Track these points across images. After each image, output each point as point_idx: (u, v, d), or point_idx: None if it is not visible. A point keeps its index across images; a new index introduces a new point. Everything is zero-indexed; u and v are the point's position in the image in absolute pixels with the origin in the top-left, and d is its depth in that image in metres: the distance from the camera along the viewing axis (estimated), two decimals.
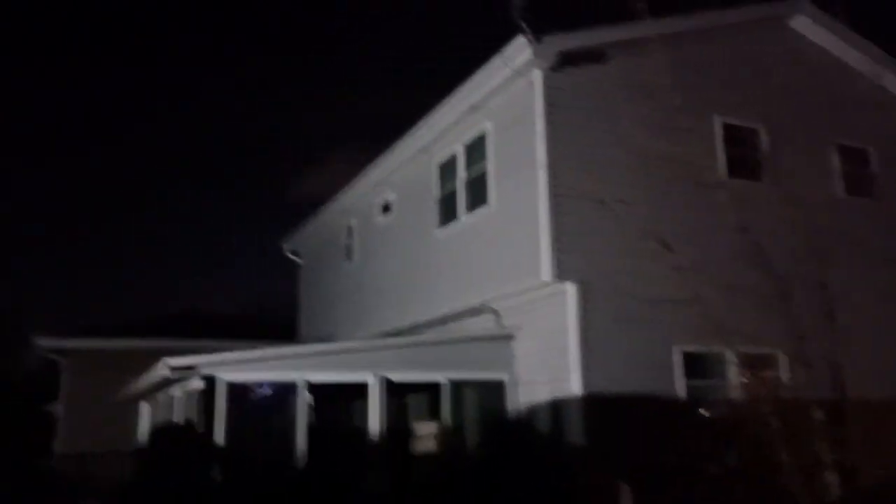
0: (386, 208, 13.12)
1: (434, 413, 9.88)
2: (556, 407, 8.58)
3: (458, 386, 9.30)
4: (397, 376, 8.86)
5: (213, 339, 16.84)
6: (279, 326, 20.54)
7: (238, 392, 8.11)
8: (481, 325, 10.16)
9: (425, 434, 9.90)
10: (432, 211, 11.30)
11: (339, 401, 9.59)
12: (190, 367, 7.80)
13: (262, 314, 26.85)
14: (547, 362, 8.85)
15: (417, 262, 11.74)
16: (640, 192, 9.13)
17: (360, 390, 9.00)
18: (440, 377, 9.08)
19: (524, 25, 8.78)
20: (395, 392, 8.99)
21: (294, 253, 17.83)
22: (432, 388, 9.63)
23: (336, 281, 15.28)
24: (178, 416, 9.38)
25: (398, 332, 12.11)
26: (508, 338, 9.46)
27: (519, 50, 8.64)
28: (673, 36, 9.69)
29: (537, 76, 8.84)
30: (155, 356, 16.25)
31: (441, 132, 10.78)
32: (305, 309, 17.31)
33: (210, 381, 7.89)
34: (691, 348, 8.96)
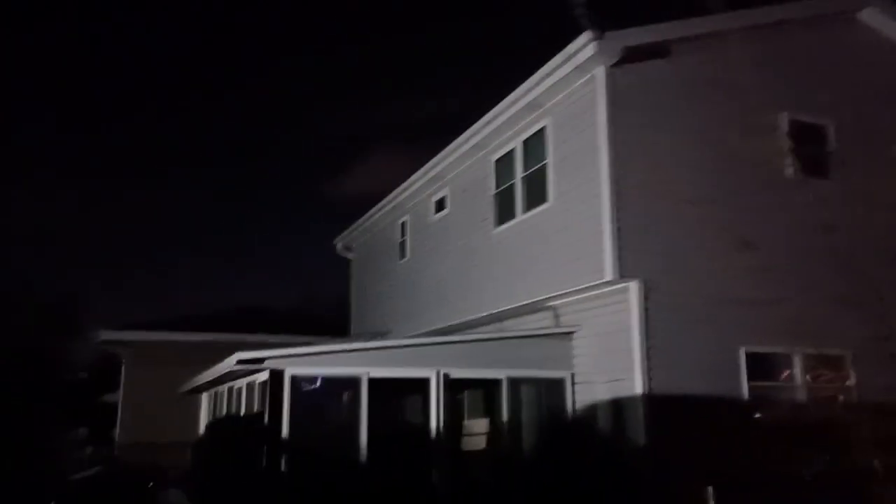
0: (440, 205, 13.18)
1: (489, 410, 9.93)
2: (617, 406, 8.52)
3: (515, 383, 9.31)
4: (457, 373, 8.92)
5: (268, 333, 17.20)
6: (331, 322, 20.84)
7: (303, 386, 8.24)
8: (538, 322, 10.15)
9: (478, 432, 9.96)
10: (488, 208, 11.31)
11: (396, 395, 9.66)
12: (258, 361, 7.96)
13: (313, 309, 27.24)
14: (607, 361, 8.79)
15: (472, 259, 11.77)
16: (704, 190, 9.02)
17: (415, 385, 9.08)
18: (500, 374, 9.10)
19: (587, 22, 8.76)
20: (451, 388, 9.04)
21: (346, 249, 18.03)
22: (486, 385, 9.68)
23: (388, 278, 15.41)
24: (242, 409, 9.58)
25: (452, 329, 12.18)
26: (568, 336, 9.43)
27: (582, 46, 8.58)
28: (737, 31, 9.54)
29: (600, 73, 8.78)
30: (212, 350, 16.63)
31: (498, 129, 10.77)
32: (357, 305, 17.50)
33: (277, 374, 8.03)
34: (757, 349, 8.82)
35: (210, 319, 19.10)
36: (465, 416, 10.07)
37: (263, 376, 8.40)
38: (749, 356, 8.79)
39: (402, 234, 14.75)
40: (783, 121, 9.61)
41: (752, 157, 9.35)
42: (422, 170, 13.26)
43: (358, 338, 15.44)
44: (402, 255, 14.70)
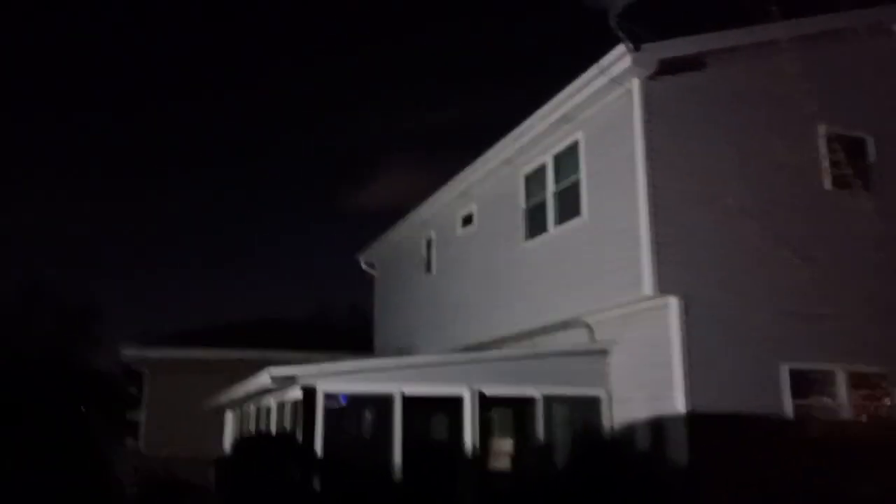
0: (467, 220, 13.06)
1: (521, 428, 9.73)
2: (657, 425, 8.31)
3: (549, 401, 9.12)
4: (491, 390, 8.75)
5: (292, 349, 17.10)
6: (354, 337, 20.74)
7: (335, 403, 8.11)
8: (571, 339, 9.97)
9: (505, 451, 9.76)
10: (518, 222, 11.18)
11: (429, 412, 9.50)
12: (290, 378, 7.85)
13: (328, 320, 27.17)
14: (645, 378, 8.60)
15: (501, 275, 11.62)
16: (743, 202, 8.80)
17: (448, 402, 8.92)
18: (534, 392, 8.92)
19: (623, 33, 8.66)
20: (482, 406, 8.87)
21: (369, 265, 17.95)
22: (516, 403, 9.49)
23: (414, 293, 15.28)
24: (272, 426, 9.46)
25: (481, 346, 12.00)
26: (603, 352, 9.25)
27: (618, 59, 8.49)
28: (772, 43, 9.37)
29: (635, 85, 8.66)
30: (233, 366, 16.59)
31: (528, 143, 10.67)
32: (381, 320, 17.38)
33: (309, 391, 7.91)
34: (800, 365, 8.59)
35: (229, 334, 19.08)
36: (496, 434, 9.86)
37: (295, 393, 8.28)
38: (792, 373, 8.58)
39: (428, 249, 14.64)
40: (822, 133, 9.44)
41: (790, 169, 9.17)
42: (448, 184, 13.19)
43: (387, 354, 15.32)
44: (428, 269, 14.58)
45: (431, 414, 9.65)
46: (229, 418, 13.54)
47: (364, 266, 17.92)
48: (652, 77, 8.64)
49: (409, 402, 8.40)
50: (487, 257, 12.13)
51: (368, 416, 8.55)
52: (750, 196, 8.90)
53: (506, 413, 10.11)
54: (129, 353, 17.37)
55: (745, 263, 8.66)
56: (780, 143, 9.15)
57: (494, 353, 9.60)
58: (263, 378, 7.82)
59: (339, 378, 8.15)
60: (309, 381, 7.93)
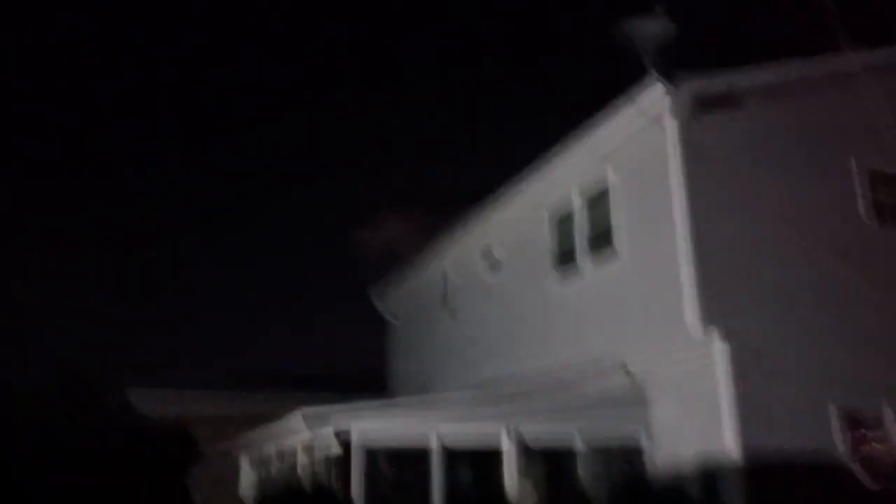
0: (491, 263, 12.90)
1: (560, 476, 9.39)
2: (708, 470, 7.98)
3: (589, 447, 8.80)
4: (531, 436, 8.46)
5: (305, 393, 16.74)
6: (367, 383, 20.36)
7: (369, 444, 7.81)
8: (608, 382, 9.69)
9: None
10: (545, 265, 11.01)
11: (466, 455, 9.16)
12: (322, 417, 7.57)
13: (341, 370, 26.72)
14: (692, 422, 8.31)
15: (529, 319, 11.40)
16: (785, 242, 8.71)
17: (485, 445, 8.61)
18: (575, 438, 8.60)
19: (657, 71, 8.67)
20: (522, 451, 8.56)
21: (386, 310, 17.72)
22: (554, 450, 9.18)
23: (433, 335, 15.02)
24: (298, 469, 9.12)
25: (511, 398, 11.71)
26: (643, 396, 8.96)
27: (652, 96, 8.46)
28: (809, 80, 9.44)
29: (671, 123, 8.62)
30: (243, 415, 16.11)
31: (555, 184, 10.59)
32: (397, 366, 17.05)
33: (344, 433, 7.63)
34: (848, 405, 8.32)
35: (235, 382, 18.66)
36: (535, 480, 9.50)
37: (327, 434, 7.98)
38: (841, 412, 8.30)
39: (450, 292, 14.43)
40: (857, 170, 9.37)
41: (828, 205, 9.10)
42: (469, 225, 13.08)
43: (416, 396, 14.97)
44: (448, 313, 14.34)
45: (469, 456, 9.31)
46: (244, 462, 13.11)
47: (382, 311, 17.68)
48: (687, 114, 8.60)
49: (449, 455, 8.10)
50: (514, 300, 11.93)
51: (404, 457, 8.22)
52: (791, 234, 8.79)
53: (545, 463, 9.75)
54: (138, 398, 16.92)
55: (789, 301, 8.47)
56: (818, 180, 9.11)
57: (534, 398, 9.31)
58: (295, 419, 7.54)
59: (373, 417, 7.87)
60: (343, 424, 7.65)
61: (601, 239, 9.84)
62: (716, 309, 8.03)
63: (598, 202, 9.97)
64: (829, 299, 8.67)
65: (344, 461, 7.51)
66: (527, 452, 8.46)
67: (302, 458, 9.19)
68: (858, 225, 9.17)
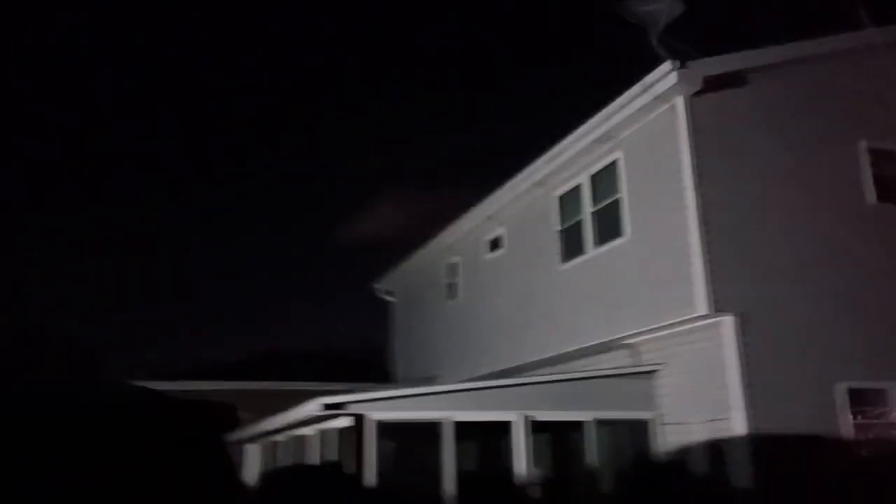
0: (495, 244, 12.91)
1: (569, 454, 9.49)
2: (716, 448, 8.07)
3: (599, 425, 8.88)
4: (542, 415, 8.53)
5: (309, 380, 16.79)
6: (365, 367, 20.40)
7: (385, 431, 7.86)
8: (614, 361, 9.77)
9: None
10: (552, 244, 11.03)
11: (478, 438, 9.25)
12: (339, 406, 7.60)
13: (342, 355, 26.78)
14: (700, 400, 8.38)
15: (535, 298, 11.43)
16: (792, 220, 8.75)
17: (494, 427, 8.68)
18: (585, 416, 8.69)
19: (665, 51, 8.64)
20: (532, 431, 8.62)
21: (387, 293, 17.73)
22: (563, 428, 9.26)
23: (436, 320, 15.05)
24: (313, 457, 9.16)
25: (515, 371, 11.78)
26: (651, 374, 9.04)
27: (663, 76, 8.43)
28: (813, 59, 9.42)
29: (680, 102, 8.60)
30: (250, 399, 16.19)
31: (563, 164, 10.56)
32: (400, 349, 17.10)
33: (359, 419, 7.66)
34: (855, 384, 8.40)
35: (240, 367, 18.70)
36: (545, 459, 9.58)
37: (340, 422, 8.02)
38: (846, 389, 8.38)
39: (452, 275, 14.45)
40: (863, 148, 9.38)
41: (835, 184, 9.13)
42: (473, 210, 13.07)
43: (409, 382, 15.03)
44: (452, 295, 14.38)
45: (481, 439, 9.39)
46: (253, 451, 13.17)
47: (382, 294, 17.70)
48: (695, 94, 8.58)
49: (458, 428, 8.16)
50: (519, 281, 11.95)
51: (419, 443, 8.28)
52: (798, 211, 8.83)
53: (553, 438, 9.85)
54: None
55: (795, 279, 8.52)
56: (824, 157, 9.13)
57: (542, 377, 9.36)
58: (312, 407, 7.57)
59: (389, 405, 7.92)
60: (359, 409, 7.69)
61: (606, 217, 9.85)
62: (724, 287, 8.07)
63: (606, 181, 9.96)
64: (835, 277, 8.71)
65: (358, 441, 7.55)
66: (535, 428, 8.53)
67: (316, 442, 9.23)
68: (863, 203, 9.19)
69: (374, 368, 19.96)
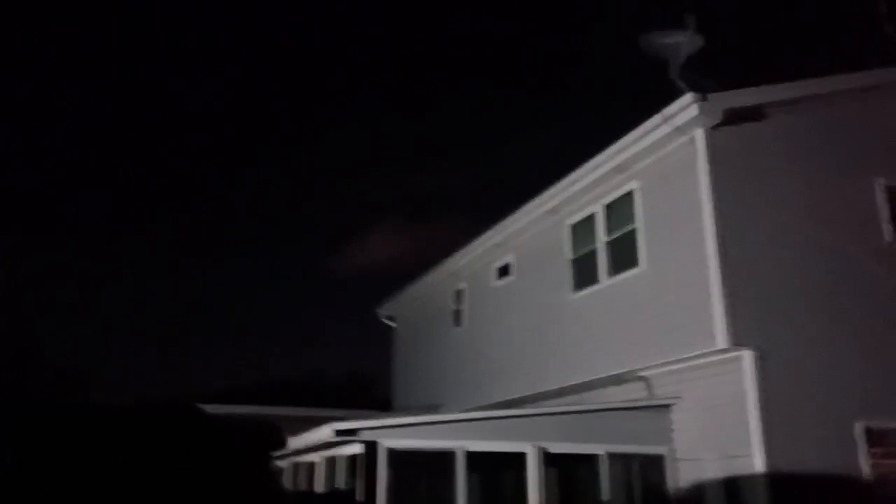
0: (503, 271, 12.81)
1: (581, 488, 9.29)
2: (733, 485, 7.91)
3: (611, 459, 8.71)
4: (555, 447, 8.36)
5: (309, 407, 16.60)
6: (370, 394, 20.17)
7: (396, 459, 7.67)
8: (626, 394, 9.62)
9: None
10: (563, 273, 10.94)
11: (489, 469, 9.04)
12: (352, 432, 7.43)
13: (343, 381, 26.53)
14: (717, 436, 8.24)
15: (544, 327, 11.31)
16: (810, 255, 8.69)
17: (509, 459, 8.50)
18: (598, 449, 8.52)
19: (685, 83, 8.65)
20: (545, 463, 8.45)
21: (389, 318, 17.57)
22: (576, 461, 9.08)
23: (441, 347, 14.88)
24: (320, 483, 8.94)
25: (521, 401, 11.62)
26: (665, 408, 8.90)
27: (683, 108, 8.41)
28: (831, 96, 9.45)
29: (699, 134, 8.58)
30: (250, 425, 15.93)
31: (576, 193, 10.52)
32: (402, 376, 16.90)
33: (371, 446, 7.49)
34: (874, 423, 8.28)
35: (238, 393, 18.49)
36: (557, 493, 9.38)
37: (350, 449, 7.84)
38: (866, 431, 8.26)
39: (458, 302, 14.32)
40: (880, 186, 9.38)
41: (852, 221, 9.10)
42: (482, 237, 12.99)
43: (411, 410, 14.83)
44: (457, 323, 14.23)
45: (490, 471, 9.19)
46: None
47: (384, 320, 17.53)
48: (715, 127, 8.57)
49: (471, 458, 7.99)
50: (528, 309, 11.84)
51: (430, 472, 8.09)
52: (815, 248, 8.78)
53: (563, 471, 9.66)
54: None
55: (814, 315, 8.44)
56: (840, 195, 9.11)
57: (557, 407, 9.21)
58: (325, 432, 7.39)
59: (402, 433, 7.74)
60: (371, 436, 7.52)
61: (621, 247, 9.78)
62: (743, 321, 7.97)
63: (621, 211, 9.91)
64: (853, 314, 8.64)
65: (370, 468, 7.37)
66: (548, 461, 8.36)
67: (322, 468, 9.02)
68: (881, 240, 9.16)
69: (363, 394, 19.75)
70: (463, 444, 7.93)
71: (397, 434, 7.72)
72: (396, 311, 17.36)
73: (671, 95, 8.68)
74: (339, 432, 7.32)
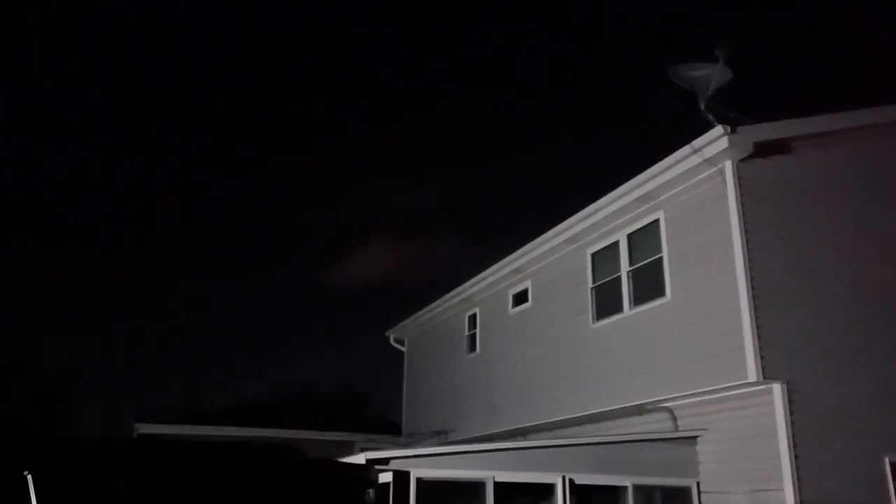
0: (520, 298, 12.78)
1: None
2: None
3: (637, 491, 8.63)
4: (582, 479, 8.28)
5: (311, 429, 16.47)
6: (374, 417, 20.00)
7: (426, 488, 7.58)
8: (648, 425, 9.57)
9: None
10: (583, 301, 10.93)
11: (515, 500, 8.95)
12: (384, 461, 7.35)
13: (345, 402, 26.36)
14: (743, 469, 8.19)
15: (563, 356, 11.27)
16: (839, 289, 8.72)
17: (534, 488, 8.42)
18: (625, 481, 8.45)
19: (712, 117, 8.73)
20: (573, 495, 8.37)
21: (398, 341, 17.48)
22: (601, 492, 8.99)
23: (453, 373, 14.80)
24: None
25: (538, 429, 11.55)
26: (692, 440, 8.86)
27: (713, 140, 8.47)
28: (859, 129, 9.55)
29: (728, 167, 8.63)
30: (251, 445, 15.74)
31: (598, 222, 10.53)
32: (410, 400, 16.77)
33: (402, 476, 7.40)
34: None
35: (240, 413, 18.35)
36: None
37: (383, 477, 7.74)
38: (893, 466, 8.24)
39: (472, 328, 14.27)
40: None
41: (881, 256, 9.15)
42: (499, 263, 12.97)
43: (421, 436, 14.71)
44: (471, 349, 14.17)
45: (520, 499, 9.10)
46: None
47: (393, 344, 17.44)
48: (744, 159, 8.63)
49: (498, 487, 7.91)
50: (545, 336, 11.80)
51: (460, 501, 8.00)
52: (844, 281, 8.81)
53: (590, 503, 9.57)
54: (144, 430, 16.51)
55: (842, 347, 8.45)
56: (867, 228, 9.16)
57: (584, 438, 9.15)
58: (358, 459, 7.31)
59: (432, 463, 7.67)
60: (401, 465, 7.44)
61: (647, 278, 9.77)
62: (773, 354, 7.97)
63: (645, 241, 9.93)
64: (881, 347, 8.66)
65: (399, 496, 7.29)
66: (574, 491, 8.28)
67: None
68: None
69: (360, 417, 19.52)
70: (492, 474, 7.85)
71: (428, 463, 7.64)
72: (406, 334, 17.27)
73: (698, 126, 8.77)
74: (371, 461, 7.23)
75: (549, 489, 8.19)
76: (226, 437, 16.17)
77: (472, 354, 14.08)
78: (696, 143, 8.64)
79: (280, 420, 16.68)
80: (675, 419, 9.24)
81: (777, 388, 7.94)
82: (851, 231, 9.08)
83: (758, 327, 8.01)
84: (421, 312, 16.03)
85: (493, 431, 12.49)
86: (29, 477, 4.34)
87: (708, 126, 8.62)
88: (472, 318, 14.29)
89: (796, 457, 7.70)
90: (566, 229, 11.12)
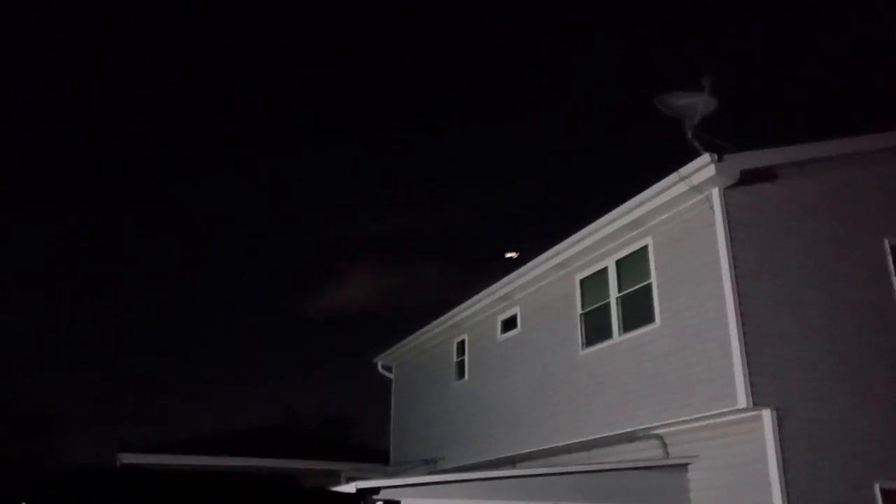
0: (508, 324, 12.77)
1: None
2: None
3: None
4: None
5: (297, 458, 16.25)
6: (360, 445, 19.77)
7: None
8: (639, 452, 9.53)
9: None
10: (572, 328, 10.93)
11: None
12: (374, 491, 7.26)
13: (331, 430, 26.07)
14: (733, 496, 8.16)
15: (552, 382, 11.23)
16: (825, 314, 8.79)
17: None
18: None
19: (698, 145, 8.84)
20: None
21: (385, 368, 17.37)
22: None
23: (441, 400, 14.70)
24: None
25: (528, 457, 11.47)
26: (682, 467, 8.82)
27: (700, 168, 8.57)
28: (841, 158, 9.69)
29: (715, 193, 8.72)
30: (236, 475, 15.50)
31: (587, 248, 10.58)
32: (399, 428, 16.61)
33: None
34: (890, 484, 8.27)
35: (219, 443, 18.07)
36: None
37: None
38: (883, 492, 8.24)
39: (460, 354, 14.21)
40: (887, 247, 9.57)
41: (863, 281, 9.24)
42: (487, 289, 12.96)
43: (409, 464, 14.56)
44: (460, 375, 14.10)
45: None
46: None
47: (381, 371, 17.33)
48: (730, 186, 8.72)
49: None
50: (535, 363, 11.77)
51: None
52: (829, 307, 8.88)
53: None
54: (127, 460, 16.22)
55: (831, 372, 8.50)
56: (851, 255, 9.26)
57: (576, 466, 9.08)
58: (348, 489, 7.22)
59: (422, 492, 7.59)
60: (392, 495, 7.35)
61: (636, 304, 9.80)
62: (763, 380, 7.99)
63: (634, 267, 9.97)
64: (868, 372, 8.71)
65: None
66: None
67: None
68: (892, 301, 9.30)
69: (346, 445, 19.25)
70: (483, 503, 7.78)
71: (418, 493, 7.56)
72: (394, 361, 17.17)
73: (685, 152, 8.88)
74: (361, 490, 7.14)
75: None
76: (209, 466, 15.92)
77: (461, 381, 14.01)
78: (684, 170, 8.74)
79: (265, 449, 16.45)
80: (665, 446, 9.21)
81: (767, 415, 7.94)
82: (834, 255, 9.19)
83: (747, 353, 8.04)
84: (409, 339, 15.96)
85: (484, 459, 12.38)
86: None
87: (695, 154, 8.74)
88: (461, 344, 14.25)
89: (787, 483, 7.68)
90: (554, 255, 11.16)
